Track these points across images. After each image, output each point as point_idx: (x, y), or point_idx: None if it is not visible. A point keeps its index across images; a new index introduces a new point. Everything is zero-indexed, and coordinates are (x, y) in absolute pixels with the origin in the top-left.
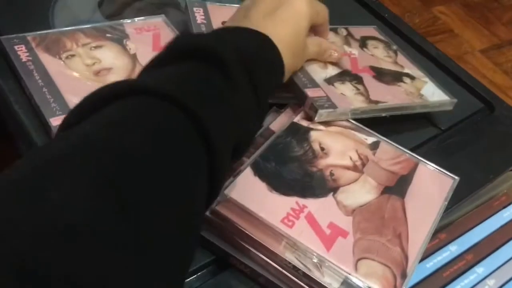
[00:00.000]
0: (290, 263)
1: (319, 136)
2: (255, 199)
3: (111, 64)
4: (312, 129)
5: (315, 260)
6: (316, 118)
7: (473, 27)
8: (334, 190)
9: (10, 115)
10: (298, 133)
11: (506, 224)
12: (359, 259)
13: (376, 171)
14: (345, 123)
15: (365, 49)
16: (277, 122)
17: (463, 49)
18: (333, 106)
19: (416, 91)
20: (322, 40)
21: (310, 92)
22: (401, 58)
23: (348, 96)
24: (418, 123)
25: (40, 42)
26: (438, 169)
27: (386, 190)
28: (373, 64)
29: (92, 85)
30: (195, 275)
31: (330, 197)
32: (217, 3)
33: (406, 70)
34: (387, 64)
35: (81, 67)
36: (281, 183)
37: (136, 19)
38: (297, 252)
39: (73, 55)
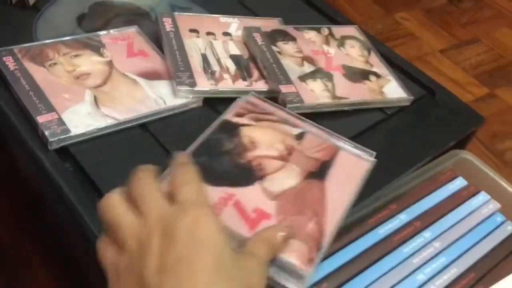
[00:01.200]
0: None
1: (249, 131)
2: None
3: (89, 70)
4: (243, 125)
5: (238, 240)
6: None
7: (433, 29)
8: (261, 178)
9: (0, 116)
10: (230, 130)
11: (451, 195)
12: None
13: (300, 159)
14: (275, 117)
15: (342, 48)
16: None
17: (424, 50)
18: (301, 101)
19: (378, 88)
20: (262, 234)
21: (283, 88)
22: (373, 58)
23: (316, 93)
24: (369, 109)
25: (26, 53)
26: (358, 153)
27: (309, 175)
28: (345, 63)
29: (72, 87)
30: None
31: (256, 185)
32: (184, 13)
33: (374, 69)
34: (358, 63)
35: (63, 73)
36: (211, 175)
37: (111, 30)
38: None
39: (55, 63)
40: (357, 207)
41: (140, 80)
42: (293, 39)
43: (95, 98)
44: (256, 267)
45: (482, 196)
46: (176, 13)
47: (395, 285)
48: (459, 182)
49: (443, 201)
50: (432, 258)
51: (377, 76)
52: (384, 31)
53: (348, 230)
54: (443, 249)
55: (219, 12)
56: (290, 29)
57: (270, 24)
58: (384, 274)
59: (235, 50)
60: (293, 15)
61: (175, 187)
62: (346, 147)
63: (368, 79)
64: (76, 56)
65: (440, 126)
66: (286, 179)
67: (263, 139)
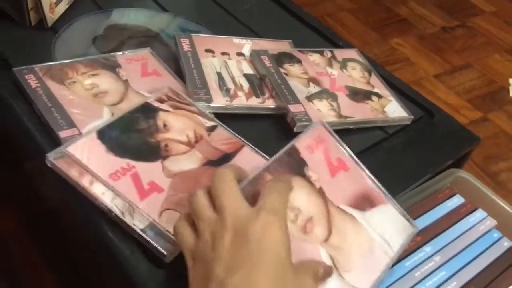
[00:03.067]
0: (106, 206)
1: (165, 115)
2: (92, 157)
3: (107, 88)
4: (161, 109)
5: (127, 206)
6: (295, 129)
7: (427, 55)
8: (164, 158)
9: (23, 132)
10: (148, 111)
11: (449, 212)
12: (164, 210)
13: (205, 147)
14: (193, 108)
15: (344, 70)
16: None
17: (419, 75)
18: (309, 120)
19: (380, 108)
20: (307, 264)
21: (292, 108)
22: (374, 79)
23: (323, 112)
24: (371, 128)
25: (46, 71)
26: (258, 151)
27: (209, 163)
28: (348, 84)
29: (91, 105)
30: None
31: (158, 162)
32: (200, 34)
33: (375, 90)
34: (360, 84)
35: (81, 91)
36: (118, 147)
37: (126, 51)
38: (116, 199)
39: (74, 82)
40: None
41: None
42: (299, 61)
43: (113, 115)
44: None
45: (479, 213)
46: (193, 34)
47: None
48: (457, 200)
49: (442, 218)
50: (433, 271)
51: (379, 96)
52: (381, 56)
53: None
54: (444, 263)
55: (227, 35)
56: (295, 52)
57: (280, 46)
58: (388, 286)
59: (248, 70)
60: (298, 39)
61: (264, 194)
62: (252, 146)
63: (371, 99)
64: (94, 75)
65: (438, 146)
66: (186, 161)
67: (175, 124)
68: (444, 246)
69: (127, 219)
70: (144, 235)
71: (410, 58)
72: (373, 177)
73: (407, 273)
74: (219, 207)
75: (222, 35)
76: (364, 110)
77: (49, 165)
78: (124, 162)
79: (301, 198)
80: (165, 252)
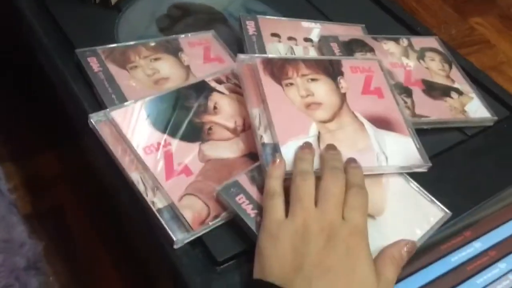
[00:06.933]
0: (131, 179)
1: (219, 97)
2: (132, 126)
3: (168, 74)
4: (216, 90)
5: (151, 183)
6: None
7: (510, 37)
8: (204, 140)
9: (83, 116)
10: (202, 90)
11: None
12: (186, 194)
13: (250, 138)
14: None
15: (421, 61)
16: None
17: (499, 59)
18: None
19: (460, 107)
20: (387, 253)
21: None
22: (455, 72)
23: None
24: (448, 128)
25: (109, 54)
26: None
27: (249, 155)
28: (425, 77)
29: (151, 92)
30: None
31: (196, 144)
32: (267, 17)
33: (456, 85)
34: (439, 77)
35: (142, 76)
36: (161, 121)
37: (189, 34)
38: (143, 174)
39: (136, 66)
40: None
41: None
42: (371, 50)
43: None
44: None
45: None
46: (259, 16)
47: None
48: None
49: None
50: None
51: (459, 93)
52: (458, 36)
53: (419, 256)
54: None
55: (294, 17)
56: (368, 39)
57: (352, 31)
58: (434, 279)
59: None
60: (371, 24)
61: (350, 207)
62: None
63: (450, 96)
64: (156, 59)
65: None
66: (225, 149)
67: (226, 109)
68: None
69: (149, 196)
70: (158, 216)
71: (490, 40)
72: (405, 113)
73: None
74: (322, 205)
75: (289, 16)
76: (441, 109)
77: (90, 126)
78: (162, 137)
79: (319, 87)
80: (174, 238)
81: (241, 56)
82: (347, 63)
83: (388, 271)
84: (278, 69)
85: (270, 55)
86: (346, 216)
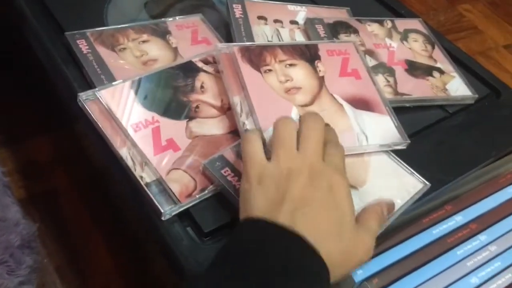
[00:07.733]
0: (120, 155)
1: (206, 77)
2: (120, 104)
3: (156, 56)
4: (203, 70)
5: (139, 158)
6: None
7: (498, 24)
8: (191, 118)
9: (73, 97)
10: (189, 70)
11: (510, 199)
12: (174, 168)
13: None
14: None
15: (404, 42)
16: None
17: (487, 45)
18: None
19: (442, 85)
20: (370, 208)
21: None
22: (437, 53)
23: None
24: (430, 106)
25: (97, 37)
26: None
27: (235, 131)
28: (408, 57)
29: (140, 72)
30: None
31: (183, 122)
32: (254, 0)
33: (437, 65)
34: (422, 58)
35: (131, 58)
36: (148, 100)
37: (177, 17)
38: (132, 149)
39: (124, 48)
40: (412, 206)
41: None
42: (356, 31)
43: None
44: (368, 242)
45: None
46: None
47: (447, 286)
48: None
49: (502, 204)
50: (487, 262)
51: (441, 72)
52: (447, 23)
53: (402, 228)
54: (499, 254)
55: (281, 1)
56: (352, 21)
57: (337, 14)
58: (436, 275)
59: (301, 39)
60: (356, 7)
61: (329, 154)
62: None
63: (432, 75)
64: (144, 42)
65: (503, 127)
66: (212, 126)
67: (213, 88)
68: (502, 235)
69: (137, 171)
70: (146, 189)
71: (478, 26)
72: (382, 92)
73: (458, 262)
74: (304, 147)
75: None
76: (423, 87)
77: (79, 105)
78: (150, 115)
79: (297, 72)
80: (162, 210)
81: (219, 45)
82: (323, 47)
83: (372, 221)
84: (256, 56)
85: (247, 43)
86: (326, 159)
